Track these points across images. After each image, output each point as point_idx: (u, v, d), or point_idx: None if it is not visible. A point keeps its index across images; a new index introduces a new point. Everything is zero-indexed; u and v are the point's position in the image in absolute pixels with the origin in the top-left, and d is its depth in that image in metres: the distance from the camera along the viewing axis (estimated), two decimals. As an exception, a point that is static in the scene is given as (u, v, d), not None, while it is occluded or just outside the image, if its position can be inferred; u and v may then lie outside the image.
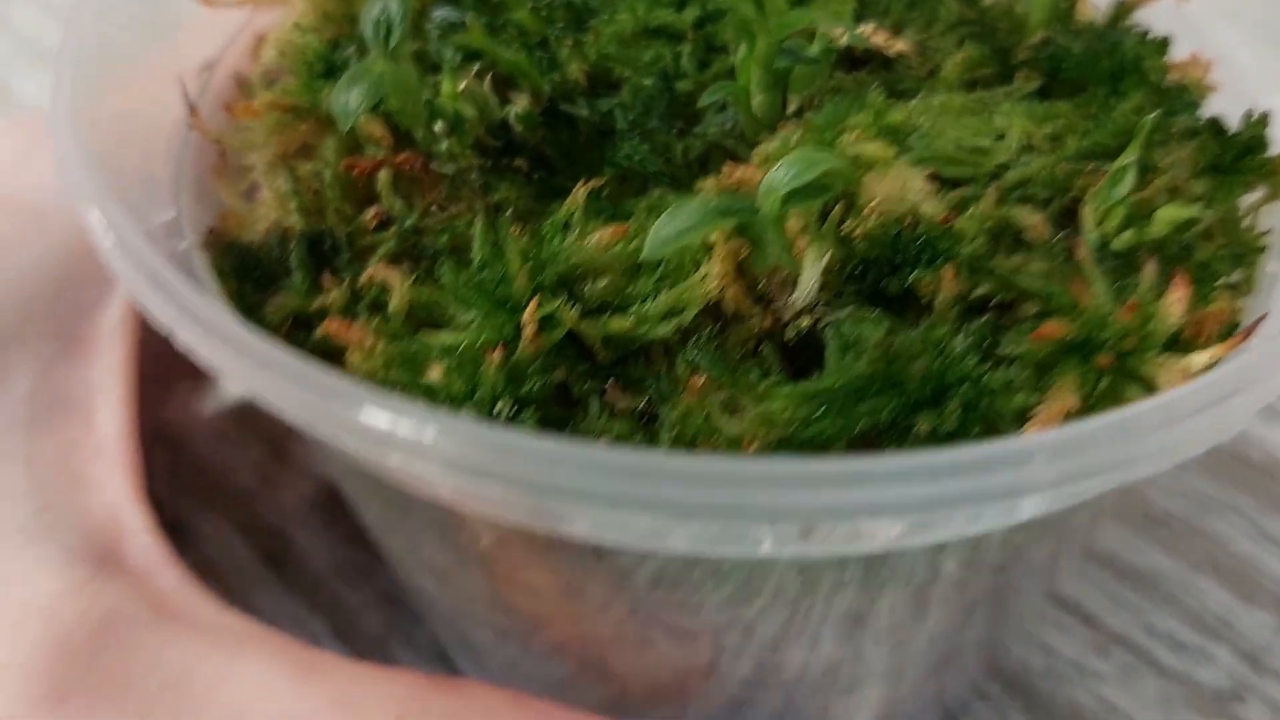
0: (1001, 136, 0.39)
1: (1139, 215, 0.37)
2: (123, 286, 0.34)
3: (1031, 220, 0.37)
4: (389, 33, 0.37)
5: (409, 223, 0.40)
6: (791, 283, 0.35)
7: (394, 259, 0.39)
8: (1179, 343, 0.34)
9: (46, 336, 0.45)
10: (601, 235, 0.36)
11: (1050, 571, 0.47)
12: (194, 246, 0.38)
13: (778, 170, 0.33)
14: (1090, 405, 0.33)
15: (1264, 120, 0.41)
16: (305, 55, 0.42)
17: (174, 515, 0.58)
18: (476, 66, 0.41)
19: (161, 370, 0.49)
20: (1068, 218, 0.39)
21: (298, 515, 0.60)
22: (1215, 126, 0.41)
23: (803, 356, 0.36)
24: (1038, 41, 0.43)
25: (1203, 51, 0.45)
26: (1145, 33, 0.46)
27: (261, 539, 0.59)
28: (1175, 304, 0.34)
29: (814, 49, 0.39)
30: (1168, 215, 0.36)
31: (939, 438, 0.32)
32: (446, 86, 0.40)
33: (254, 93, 0.44)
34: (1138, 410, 0.30)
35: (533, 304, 0.34)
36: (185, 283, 0.32)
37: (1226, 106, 0.43)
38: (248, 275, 0.38)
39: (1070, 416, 0.33)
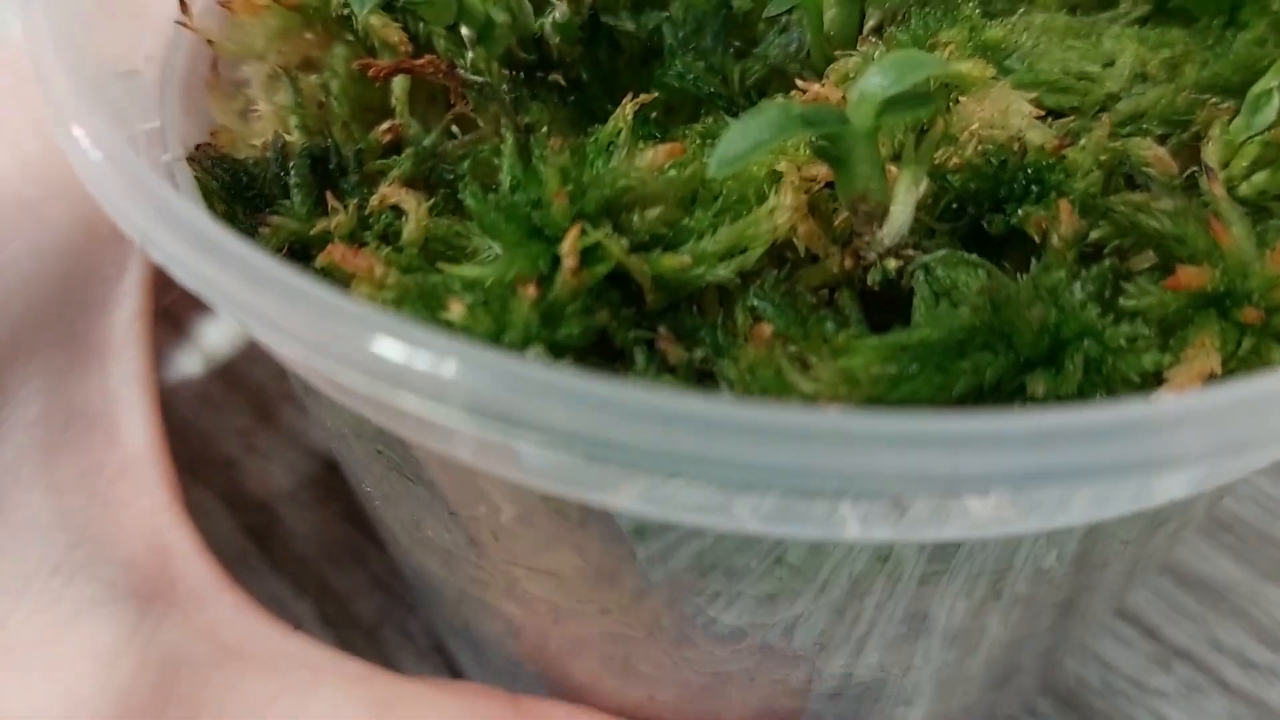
0: (1111, 63, 0.34)
1: (1272, 156, 0.32)
2: (105, 202, 0.29)
3: (1154, 153, 0.31)
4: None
5: (427, 143, 0.34)
6: (879, 216, 0.30)
7: (407, 185, 0.34)
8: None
9: (55, 345, 0.39)
10: (655, 155, 0.31)
11: (1130, 576, 0.42)
12: (178, 159, 0.33)
13: (872, 75, 0.28)
14: (1230, 370, 0.28)
15: None
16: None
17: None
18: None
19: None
20: (1186, 158, 0.33)
21: (286, 489, 0.55)
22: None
23: (880, 312, 0.31)
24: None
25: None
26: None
27: (245, 514, 0.54)
28: (1334, 253, 0.29)
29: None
30: (1315, 152, 0.31)
31: (1056, 402, 0.27)
32: (476, -13, 0.35)
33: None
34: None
35: (574, 231, 0.29)
36: (160, 184, 0.26)
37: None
38: (239, 195, 0.33)
39: (1209, 381, 0.28)
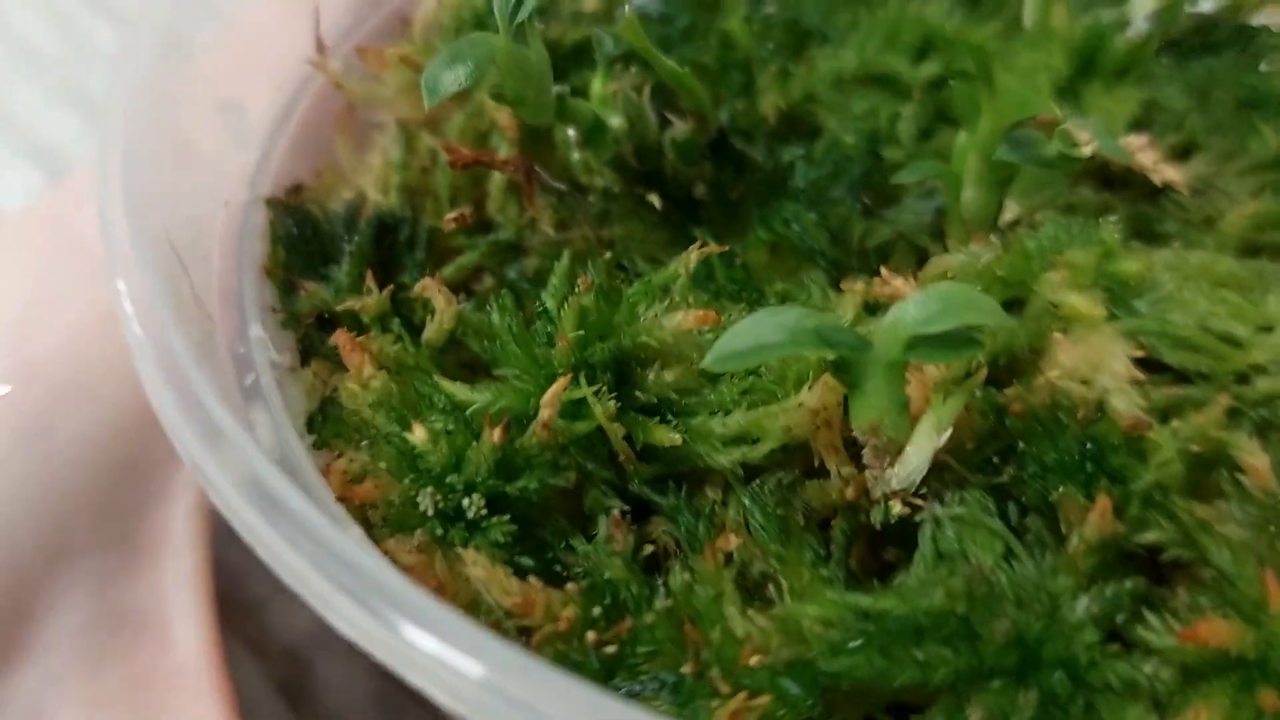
0: (1270, 328, 0.29)
1: None
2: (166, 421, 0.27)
3: (1254, 461, 0.26)
4: (519, 3, 0.29)
5: (504, 236, 0.33)
6: (892, 454, 0.26)
7: (475, 273, 0.33)
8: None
9: (104, 544, 0.37)
10: (684, 318, 0.28)
11: None
12: (257, 199, 0.33)
13: (911, 303, 0.25)
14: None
15: None
16: (459, 10, 0.36)
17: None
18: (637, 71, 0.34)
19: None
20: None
21: (317, 632, 0.48)
22: None
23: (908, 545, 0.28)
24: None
25: None
26: None
27: (276, 663, 0.48)
28: None
29: (1050, 149, 0.30)
30: None
31: (1001, 729, 0.23)
32: (596, 86, 0.33)
33: (412, 39, 0.38)
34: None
35: (559, 384, 0.27)
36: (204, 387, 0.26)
37: None
38: (300, 247, 0.32)
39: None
